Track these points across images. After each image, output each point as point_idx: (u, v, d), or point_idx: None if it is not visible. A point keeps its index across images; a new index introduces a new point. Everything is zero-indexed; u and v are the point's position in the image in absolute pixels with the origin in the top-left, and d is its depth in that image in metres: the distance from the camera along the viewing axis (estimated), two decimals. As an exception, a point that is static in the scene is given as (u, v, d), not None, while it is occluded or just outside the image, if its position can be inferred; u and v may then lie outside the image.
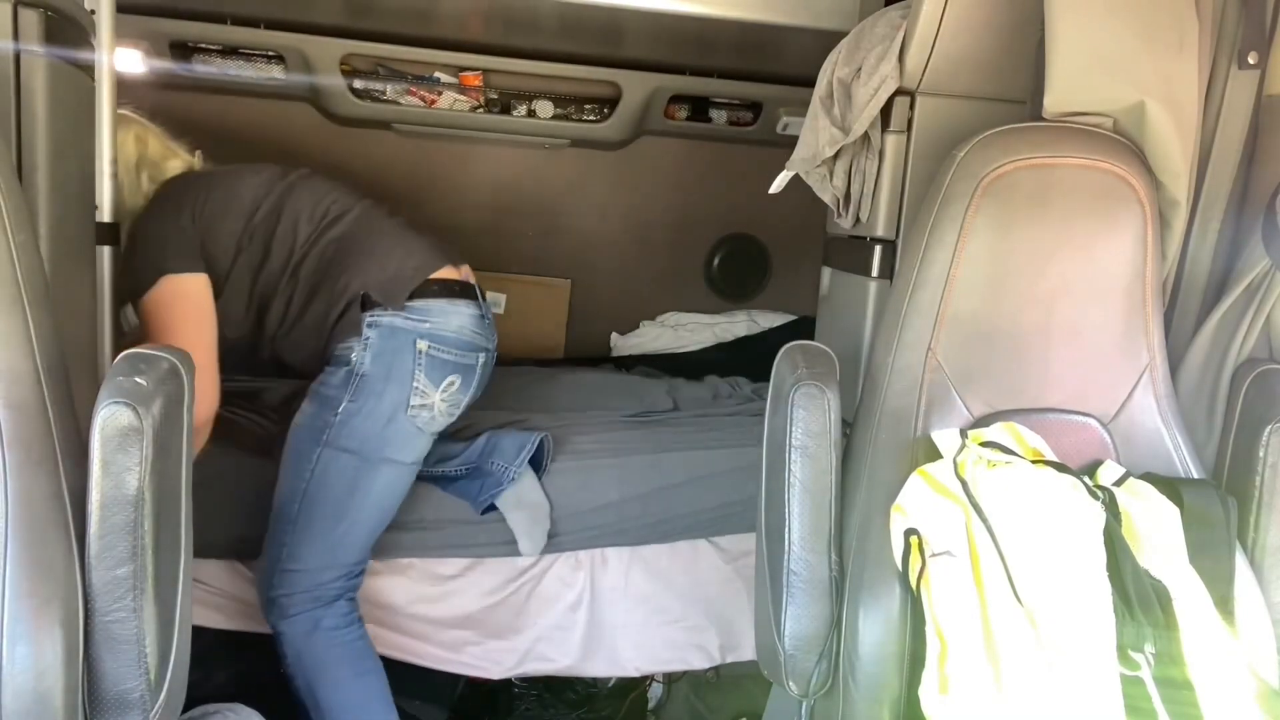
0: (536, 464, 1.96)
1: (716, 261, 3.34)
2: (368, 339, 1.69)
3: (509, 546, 1.96)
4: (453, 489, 1.94)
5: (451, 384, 1.73)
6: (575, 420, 2.26)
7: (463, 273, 1.85)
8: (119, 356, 1.10)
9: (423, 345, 1.70)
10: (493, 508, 1.91)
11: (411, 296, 1.72)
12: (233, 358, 1.79)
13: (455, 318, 1.75)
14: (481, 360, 1.80)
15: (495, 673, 2.04)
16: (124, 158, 1.78)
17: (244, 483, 1.85)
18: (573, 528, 1.99)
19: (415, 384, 1.69)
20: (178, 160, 1.96)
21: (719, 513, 2.06)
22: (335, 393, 1.70)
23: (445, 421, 1.79)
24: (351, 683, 1.76)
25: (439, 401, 1.73)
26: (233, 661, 2.27)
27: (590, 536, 2.01)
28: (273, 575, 1.75)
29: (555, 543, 1.99)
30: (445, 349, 1.72)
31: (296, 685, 1.79)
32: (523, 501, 1.89)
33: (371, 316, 1.70)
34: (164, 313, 1.52)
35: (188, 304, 1.70)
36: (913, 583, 1.14)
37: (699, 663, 2.12)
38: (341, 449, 1.69)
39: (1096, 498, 1.12)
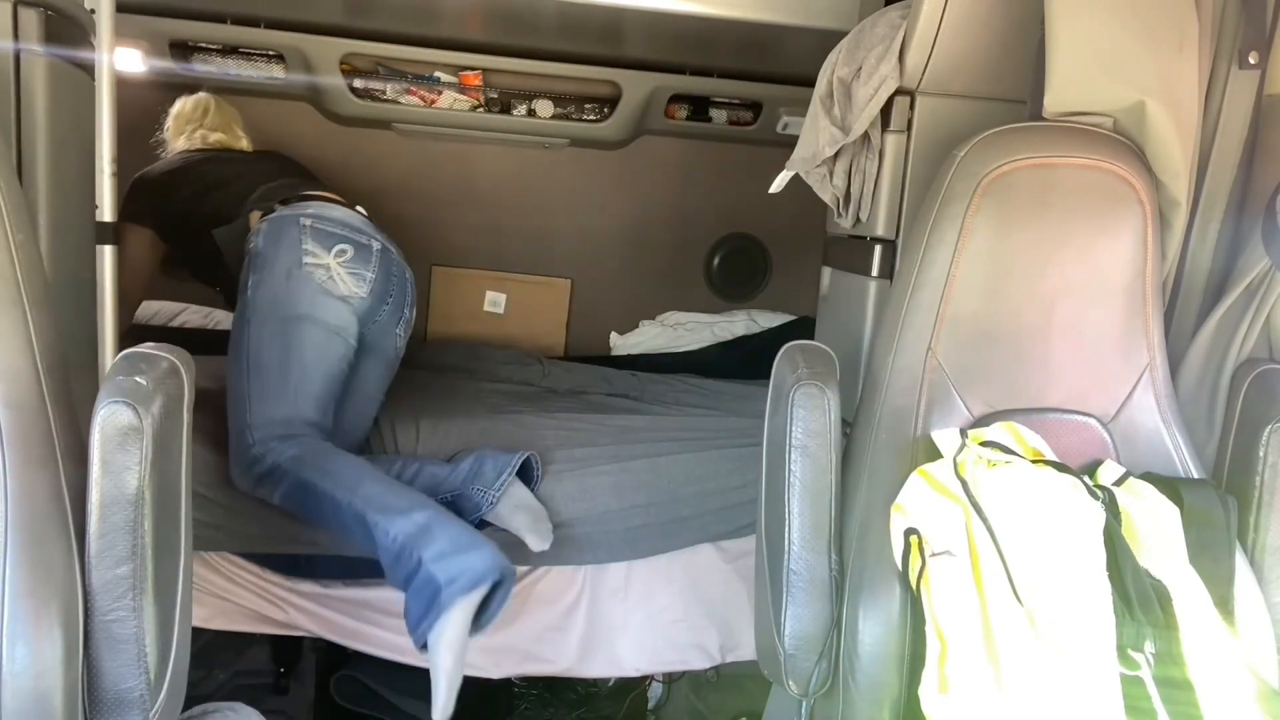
0: (527, 478, 1.96)
1: (716, 261, 3.34)
2: (260, 229, 1.96)
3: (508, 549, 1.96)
4: None
5: (344, 251, 1.92)
6: (570, 423, 2.26)
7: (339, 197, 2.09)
8: (119, 356, 1.10)
9: (306, 221, 1.93)
10: (486, 524, 1.92)
11: (296, 203, 2.01)
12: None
13: (336, 211, 1.99)
14: (377, 246, 1.97)
15: (494, 673, 2.04)
16: (194, 133, 2.47)
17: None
18: (571, 539, 1.99)
19: (304, 247, 1.90)
20: (226, 136, 2.53)
21: (719, 517, 2.05)
22: (244, 278, 1.93)
23: (354, 290, 1.92)
24: (344, 469, 1.78)
25: (334, 264, 1.90)
26: (233, 661, 2.28)
27: (589, 551, 2.00)
28: (241, 443, 1.81)
29: (554, 555, 1.99)
30: (329, 225, 1.94)
31: (302, 515, 1.81)
32: (519, 507, 1.90)
33: (264, 217, 1.99)
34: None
35: (125, 248, 1.92)
36: (913, 582, 1.14)
37: (699, 663, 2.12)
38: (261, 318, 1.87)
39: (1096, 497, 1.12)
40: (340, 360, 1.92)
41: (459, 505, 1.88)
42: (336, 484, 1.72)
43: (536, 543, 1.91)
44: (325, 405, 1.89)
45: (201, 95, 2.59)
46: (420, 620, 1.59)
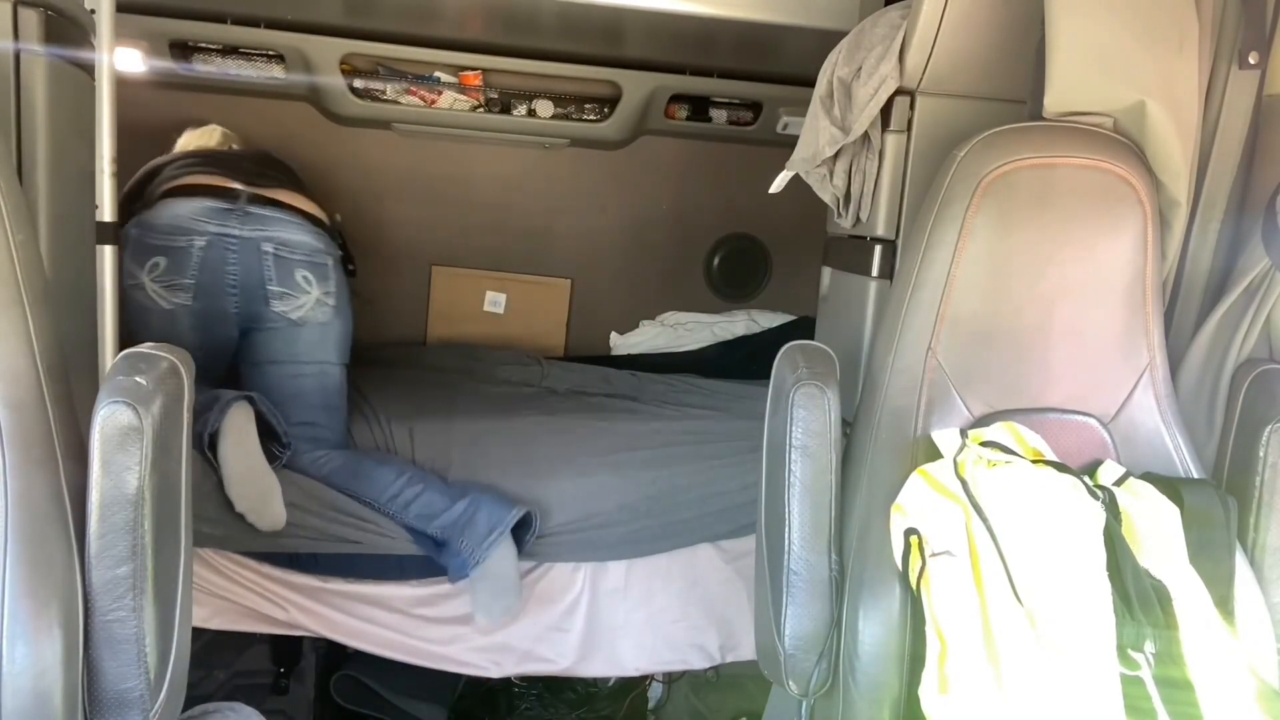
0: (521, 530, 1.95)
1: (716, 261, 3.34)
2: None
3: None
4: (431, 551, 1.94)
5: (156, 265, 1.94)
6: (570, 425, 2.26)
7: (219, 180, 2.06)
8: (119, 356, 1.10)
9: (133, 233, 1.96)
10: None
11: (150, 208, 2.01)
12: None
13: (172, 208, 1.98)
14: (198, 243, 1.95)
15: (494, 672, 2.04)
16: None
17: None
18: (570, 538, 1.99)
19: (126, 267, 1.92)
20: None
21: (720, 517, 2.06)
22: None
23: (177, 301, 1.96)
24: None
25: (148, 281, 1.95)
26: (233, 661, 2.28)
27: (588, 548, 2.01)
28: None
29: (554, 552, 1.99)
30: (151, 234, 1.95)
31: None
32: (488, 573, 1.88)
33: None
34: None
35: None
36: (913, 582, 1.14)
37: (699, 663, 2.12)
38: None
39: (1096, 498, 1.12)
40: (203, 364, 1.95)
41: (443, 550, 1.89)
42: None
43: (483, 621, 1.89)
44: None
45: (211, 127, 2.64)
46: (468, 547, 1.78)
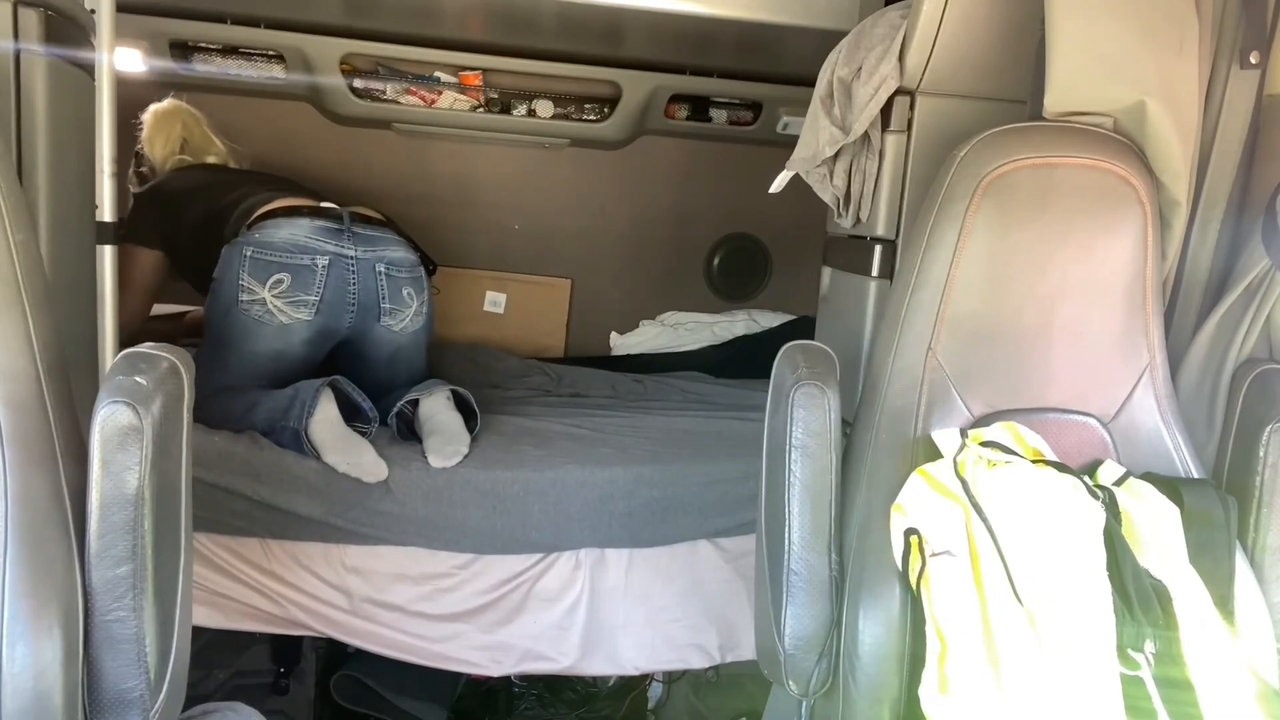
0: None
1: (716, 261, 3.34)
2: (220, 258, 2.09)
3: (508, 542, 1.97)
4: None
5: (280, 282, 2.02)
6: (571, 424, 2.27)
7: (310, 200, 2.18)
8: (119, 356, 1.10)
9: (247, 251, 2.03)
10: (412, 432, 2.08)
11: (250, 227, 2.09)
12: None
13: (288, 227, 2.06)
14: (321, 261, 2.05)
15: (494, 671, 2.04)
16: (172, 138, 2.54)
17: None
18: (573, 527, 2.00)
19: (240, 281, 2.01)
20: (213, 152, 2.63)
21: (720, 514, 2.06)
22: (207, 303, 2.14)
23: (297, 316, 2.04)
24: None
25: (269, 297, 2.01)
26: (233, 661, 2.28)
27: (591, 536, 2.01)
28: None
29: (556, 541, 2.00)
30: (270, 252, 2.03)
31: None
32: (433, 421, 2.01)
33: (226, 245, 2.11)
34: (121, 267, 1.74)
35: (134, 270, 2.29)
36: (913, 582, 1.14)
37: (699, 662, 2.12)
38: (208, 344, 2.10)
39: (1097, 498, 1.12)
40: (278, 373, 2.07)
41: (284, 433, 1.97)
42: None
43: (436, 460, 1.97)
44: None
45: (170, 102, 2.66)
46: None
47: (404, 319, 2.17)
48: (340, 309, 2.09)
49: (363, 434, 1.99)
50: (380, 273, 2.11)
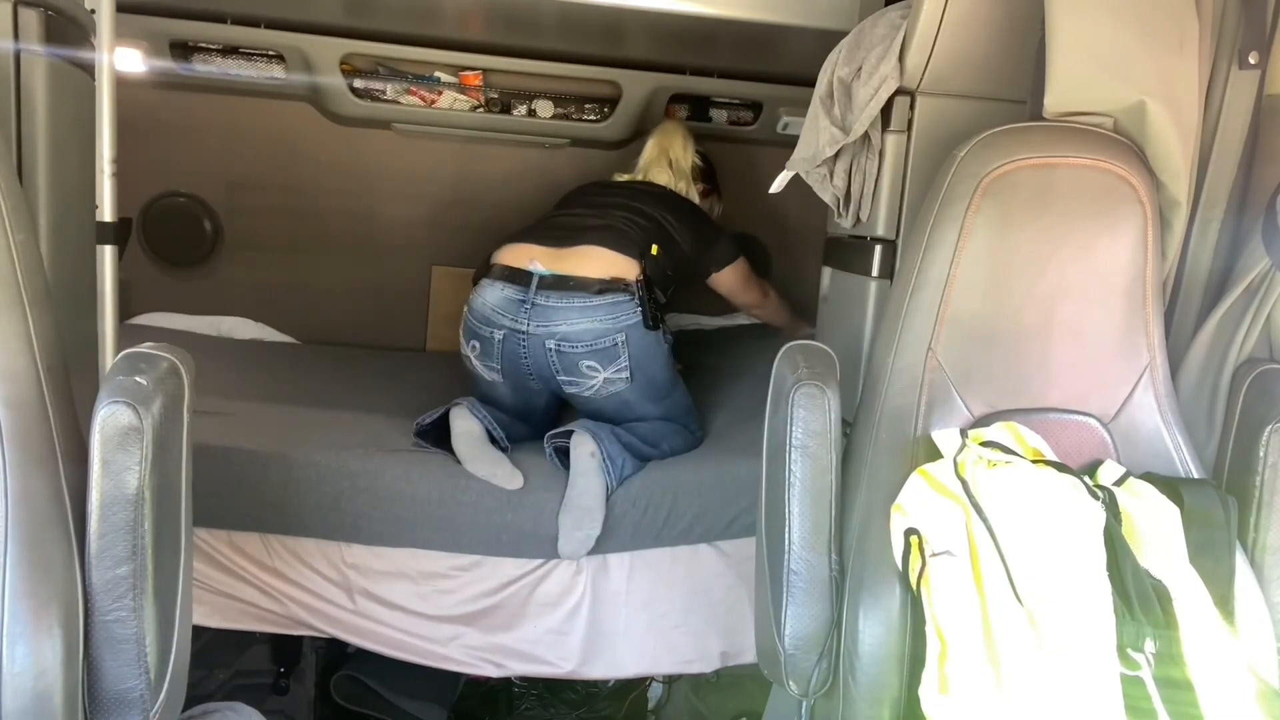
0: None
1: (717, 261, 3.33)
2: None
3: (510, 544, 1.97)
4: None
5: (474, 347, 2.19)
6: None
7: (527, 256, 2.18)
8: (119, 356, 1.10)
9: (465, 313, 2.23)
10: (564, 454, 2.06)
11: (476, 283, 2.24)
12: None
13: (485, 294, 2.17)
14: (497, 336, 2.13)
15: (495, 673, 2.04)
16: (684, 161, 2.61)
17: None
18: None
19: (461, 338, 2.24)
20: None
21: (724, 517, 2.05)
22: None
23: (488, 377, 2.19)
24: None
25: (472, 357, 2.20)
26: (233, 661, 2.28)
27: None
28: None
29: (554, 550, 1.99)
30: (472, 318, 2.19)
31: None
32: (573, 487, 1.99)
33: None
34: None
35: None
36: (913, 582, 1.14)
37: (701, 668, 2.11)
38: None
39: (1097, 498, 1.12)
40: (504, 402, 2.21)
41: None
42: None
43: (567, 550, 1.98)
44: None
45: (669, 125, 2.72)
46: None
47: (590, 388, 2.12)
48: (521, 377, 2.16)
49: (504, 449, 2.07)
50: (550, 349, 2.09)
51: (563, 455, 2.06)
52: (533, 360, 2.12)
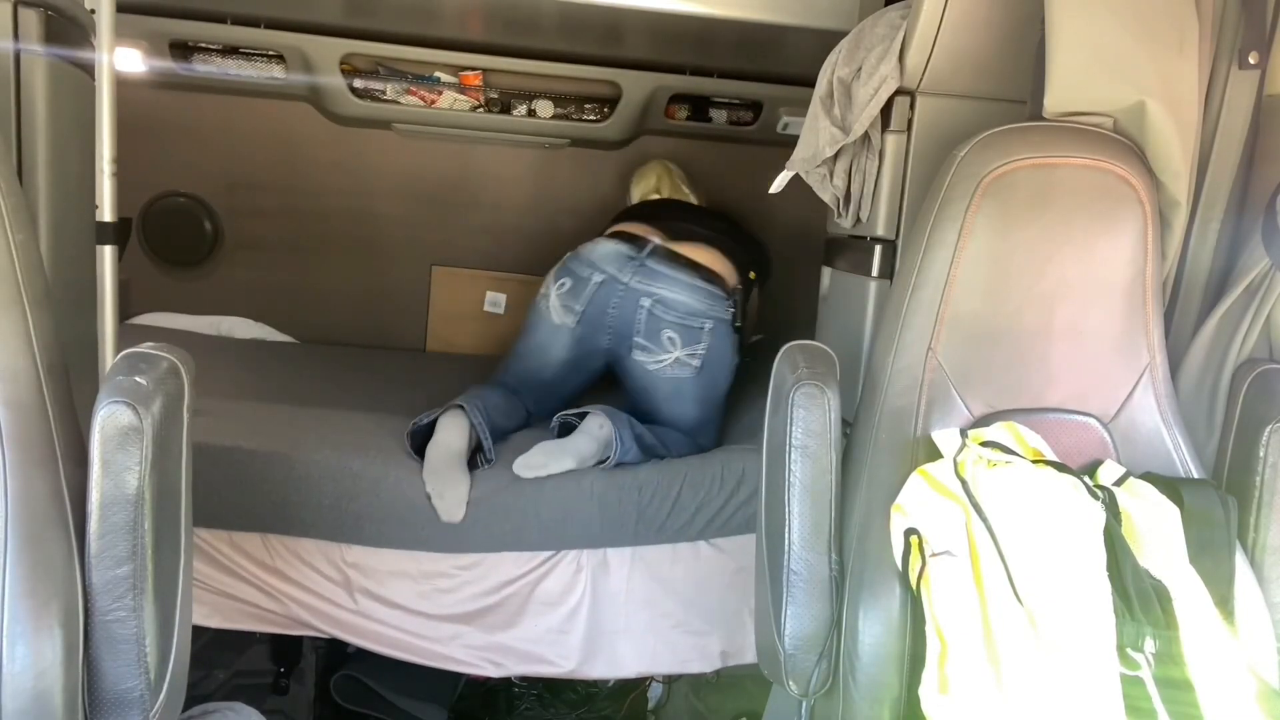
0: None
1: (717, 261, 3.33)
2: None
3: (511, 537, 1.97)
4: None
5: (563, 285, 2.22)
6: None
7: (644, 231, 2.32)
8: (119, 356, 1.10)
9: (566, 256, 2.29)
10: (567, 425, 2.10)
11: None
12: None
13: (597, 246, 2.26)
14: (596, 279, 2.19)
15: (494, 672, 2.04)
16: (648, 189, 2.87)
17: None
18: (573, 527, 2.00)
19: (546, 280, 2.27)
20: (679, 196, 2.88)
21: (721, 515, 2.06)
22: None
23: (563, 320, 2.20)
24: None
25: (554, 294, 2.23)
26: (233, 661, 2.28)
27: (591, 536, 2.01)
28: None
29: (558, 540, 1.99)
30: (575, 262, 2.25)
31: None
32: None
33: None
34: None
35: None
36: (913, 582, 1.14)
37: (701, 667, 2.11)
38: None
39: (1096, 498, 1.12)
40: (544, 367, 2.26)
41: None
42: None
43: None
44: (523, 378, 2.28)
45: (653, 161, 2.98)
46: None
47: (660, 361, 2.15)
48: (599, 327, 2.18)
49: (483, 462, 2.04)
50: (643, 306, 2.14)
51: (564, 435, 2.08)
52: (620, 313, 2.16)
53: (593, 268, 2.20)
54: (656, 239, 2.26)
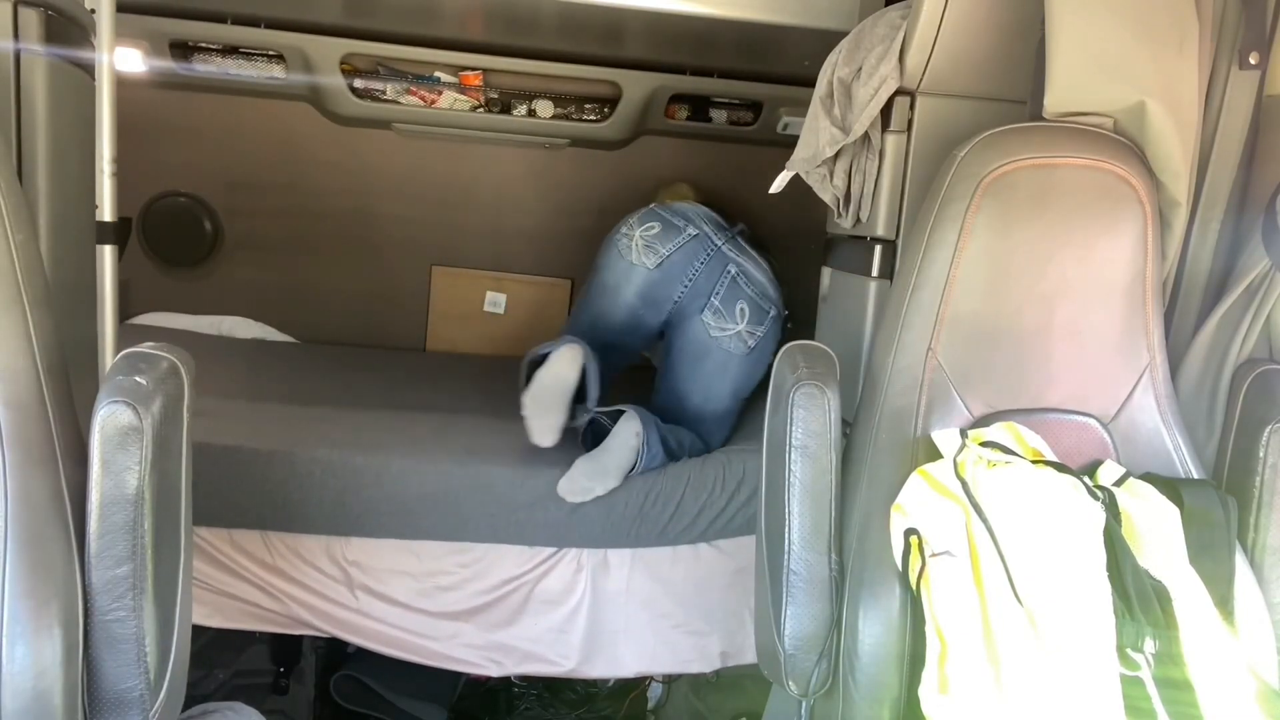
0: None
1: (717, 261, 3.33)
2: None
3: (515, 530, 1.97)
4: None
5: (652, 227, 2.21)
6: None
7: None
8: (119, 356, 1.10)
9: (654, 204, 2.32)
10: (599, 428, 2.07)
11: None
12: None
13: (693, 206, 2.32)
14: (690, 231, 2.21)
15: (494, 671, 2.04)
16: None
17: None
18: (575, 526, 2.00)
19: (630, 220, 2.26)
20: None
21: (722, 516, 2.06)
22: None
23: (643, 260, 2.18)
24: None
25: (638, 234, 2.21)
26: (233, 661, 2.28)
27: (592, 536, 2.01)
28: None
29: (559, 538, 1.99)
30: (665, 211, 2.26)
31: None
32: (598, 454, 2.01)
33: None
34: None
35: None
36: (913, 583, 1.14)
37: (701, 667, 2.12)
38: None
39: (1096, 498, 1.12)
40: (613, 309, 2.23)
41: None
42: None
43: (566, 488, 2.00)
44: (591, 332, 2.21)
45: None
46: None
47: (725, 330, 2.18)
48: (676, 277, 2.18)
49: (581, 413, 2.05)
50: (728, 273, 2.19)
51: (590, 438, 2.08)
52: (705, 271, 2.19)
53: (687, 220, 2.23)
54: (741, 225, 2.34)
